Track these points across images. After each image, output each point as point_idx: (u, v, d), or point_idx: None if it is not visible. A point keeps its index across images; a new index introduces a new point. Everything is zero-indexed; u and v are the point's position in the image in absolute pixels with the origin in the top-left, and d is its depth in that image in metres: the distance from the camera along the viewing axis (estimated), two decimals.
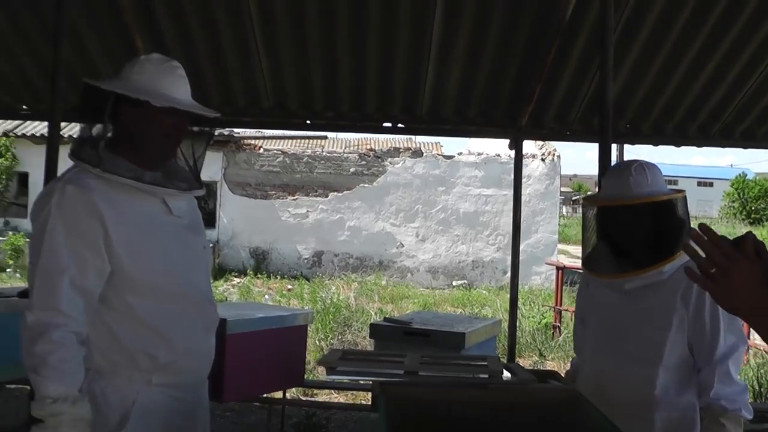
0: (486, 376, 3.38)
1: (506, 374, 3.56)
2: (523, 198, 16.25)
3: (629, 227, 3.01)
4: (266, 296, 15.59)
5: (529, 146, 19.94)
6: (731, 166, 56.16)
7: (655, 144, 7.60)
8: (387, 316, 8.81)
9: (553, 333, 12.09)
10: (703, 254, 1.89)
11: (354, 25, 6.28)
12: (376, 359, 3.66)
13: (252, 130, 20.18)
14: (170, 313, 2.64)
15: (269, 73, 6.84)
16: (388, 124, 7.36)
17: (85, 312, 2.51)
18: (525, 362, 9.94)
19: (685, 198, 3.06)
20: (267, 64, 6.74)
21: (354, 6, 6.10)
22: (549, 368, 9.79)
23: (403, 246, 20.09)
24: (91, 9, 6.41)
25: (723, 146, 7.66)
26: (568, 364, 9.81)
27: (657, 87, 6.88)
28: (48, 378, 2.38)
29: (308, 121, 7.40)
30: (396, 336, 5.75)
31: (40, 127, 19.93)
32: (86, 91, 2.74)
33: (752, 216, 53.97)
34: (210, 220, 19.39)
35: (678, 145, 7.64)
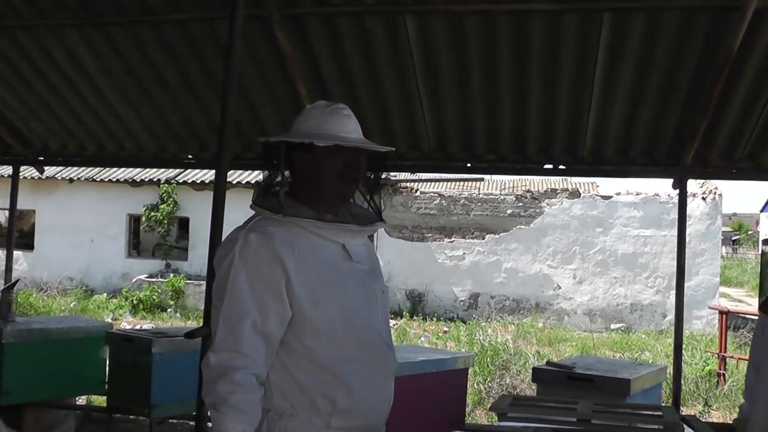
0: (660, 427, 3.26)
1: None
2: None
3: None
4: (422, 338, 15.59)
5: (690, 184, 19.30)
6: None
7: None
8: (547, 359, 8.66)
9: (717, 381, 11.53)
10: None
11: (515, 67, 6.28)
12: (548, 405, 3.59)
13: (408, 173, 20.38)
14: (349, 359, 2.66)
15: (431, 116, 6.91)
16: (550, 166, 7.27)
17: (267, 355, 2.60)
18: (689, 411, 9.56)
19: None
20: (428, 107, 6.82)
21: (515, 47, 6.10)
22: (715, 419, 9.40)
23: (560, 288, 19.78)
24: (257, 59, 6.67)
25: None
26: (735, 414, 9.40)
27: None
28: (227, 416, 2.49)
29: (469, 164, 7.41)
30: (559, 380, 5.65)
31: (200, 174, 20.82)
32: (260, 147, 2.84)
33: None
34: None
35: None
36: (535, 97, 6.53)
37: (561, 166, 7.25)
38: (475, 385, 10.28)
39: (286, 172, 2.75)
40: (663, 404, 6.68)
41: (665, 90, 6.38)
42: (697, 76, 6.21)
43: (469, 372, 6.87)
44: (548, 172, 7.65)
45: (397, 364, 4.83)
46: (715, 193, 19.42)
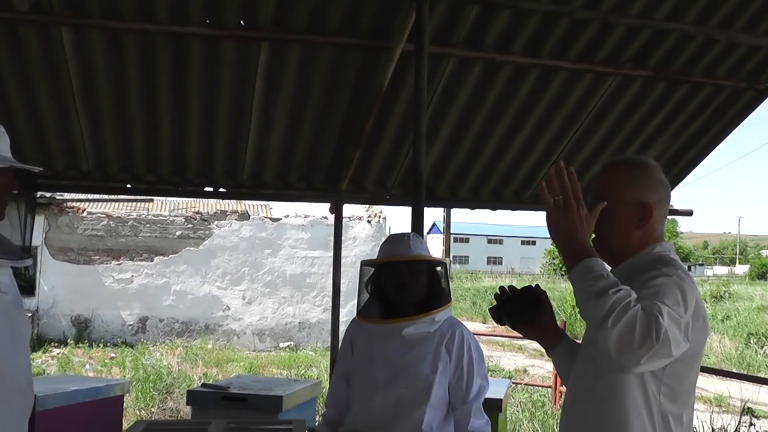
0: None
1: None
2: (349, 259, 16.36)
3: (409, 279, 3.54)
4: (87, 366, 14.95)
5: (356, 208, 20.20)
6: None
7: (472, 208, 7.95)
8: (210, 381, 8.66)
9: None
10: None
11: (175, 89, 6.24)
12: (182, 428, 3.63)
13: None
14: None
15: (89, 135, 6.61)
16: (210, 189, 7.32)
17: None
18: None
19: (446, 265, 3.77)
20: (87, 124, 6.50)
21: (175, 69, 6.06)
22: None
23: (229, 309, 19.85)
24: None
25: (536, 210, 8.12)
26: None
27: (472, 155, 7.22)
28: None
29: (128, 186, 7.21)
30: (214, 402, 5.71)
31: None
32: None
33: None
34: (29, 287, 18.47)
35: (494, 209, 8.02)
36: (195, 120, 6.53)
37: (221, 189, 7.32)
38: (137, 411, 10.07)
39: None
40: (304, 419, 6.94)
41: (321, 120, 6.69)
42: (351, 110, 6.58)
43: (128, 398, 6.74)
44: (208, 195, 7.69)
45: (47, 397, 4.67)
46: (380, 216, 20.44)
